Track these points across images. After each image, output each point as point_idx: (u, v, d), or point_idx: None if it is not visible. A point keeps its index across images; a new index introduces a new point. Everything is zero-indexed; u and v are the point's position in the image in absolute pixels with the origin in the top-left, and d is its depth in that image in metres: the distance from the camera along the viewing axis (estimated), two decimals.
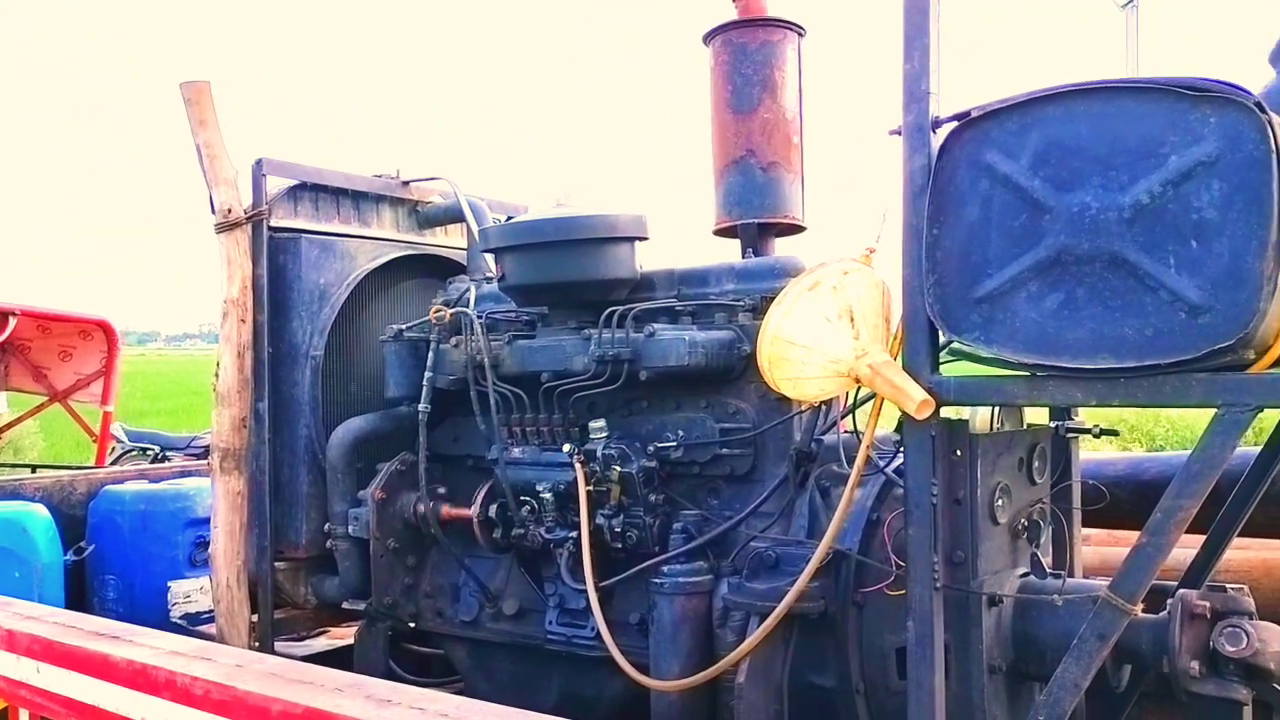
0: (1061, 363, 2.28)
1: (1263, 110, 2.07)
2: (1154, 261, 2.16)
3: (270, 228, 3.94)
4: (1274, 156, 2.05)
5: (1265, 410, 2.17)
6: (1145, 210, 2.18)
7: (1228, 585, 2.80)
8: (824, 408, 3.08)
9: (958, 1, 2.55)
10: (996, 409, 3.06)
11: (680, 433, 3.27)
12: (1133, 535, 3.46)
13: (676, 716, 2.92)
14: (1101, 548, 3.71)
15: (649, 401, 3.37)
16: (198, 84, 3.88)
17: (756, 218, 3.56)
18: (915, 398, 2.40)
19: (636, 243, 3.44)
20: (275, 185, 4.06)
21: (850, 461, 2.97)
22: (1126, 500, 3.68)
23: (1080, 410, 3.19)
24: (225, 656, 2.48)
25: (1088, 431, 3.12)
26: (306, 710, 2.08)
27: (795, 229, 3.70)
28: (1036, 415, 3.24)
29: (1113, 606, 2.27)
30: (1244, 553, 3.26)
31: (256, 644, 3.90)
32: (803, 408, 3.05)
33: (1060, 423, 3.12)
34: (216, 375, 3.87)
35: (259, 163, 3.94)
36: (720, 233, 3.68)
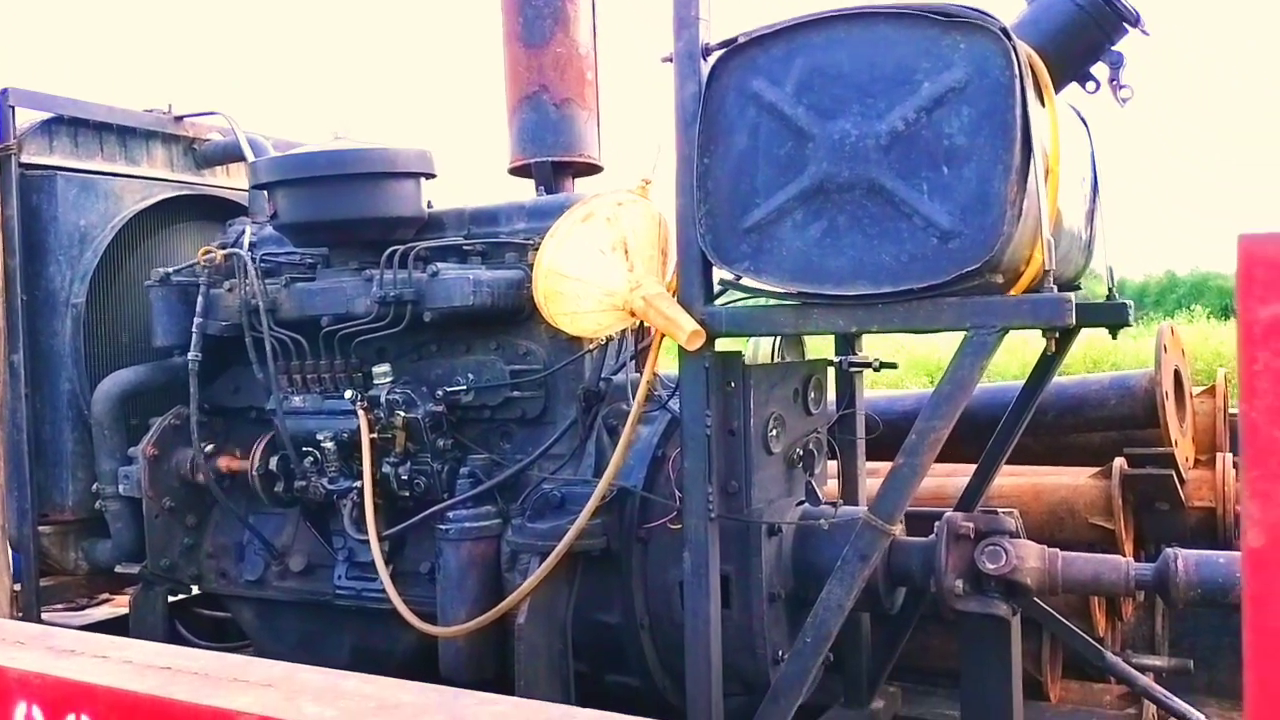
0: (824, 290, 2.29)
1: (1008, 36, 2.11)
2: (908, 188, 2.19)
3: (20, 164, 3.58)
4: (1018, 82, 2.10)
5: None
6: (901, 137, 2.20)
7: (999, 510, 2.93)
8: (611, 346, 3.03)
9: None
10: (777, 341, 3.10)
11: (470, 376, 3.17)
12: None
13: (464, 663, 2.85)
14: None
15: (438, 345, 3.24)
16: None
17: (550, 156, 3.46)
18: (686, 328, 2.38)
19: (423, 180, 3.29)
20: (27, 119, 3.69)
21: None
22: None
23: (862, 342, 3.26)
24: None
25: (869, 365, 3.19)
26: None
27: (593, 168, 3.63)
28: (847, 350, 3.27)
29: (872, 527, 2.32)
30: (1016, 480, 3.43)
31: (20, 614, 3.60)
32: (591, 346, 2.99)
33: (844, 356, 3.18)
34: None
35: (4, 93, 3.57)
36: (515, 172, 3.57)
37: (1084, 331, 2.81)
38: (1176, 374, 3.56)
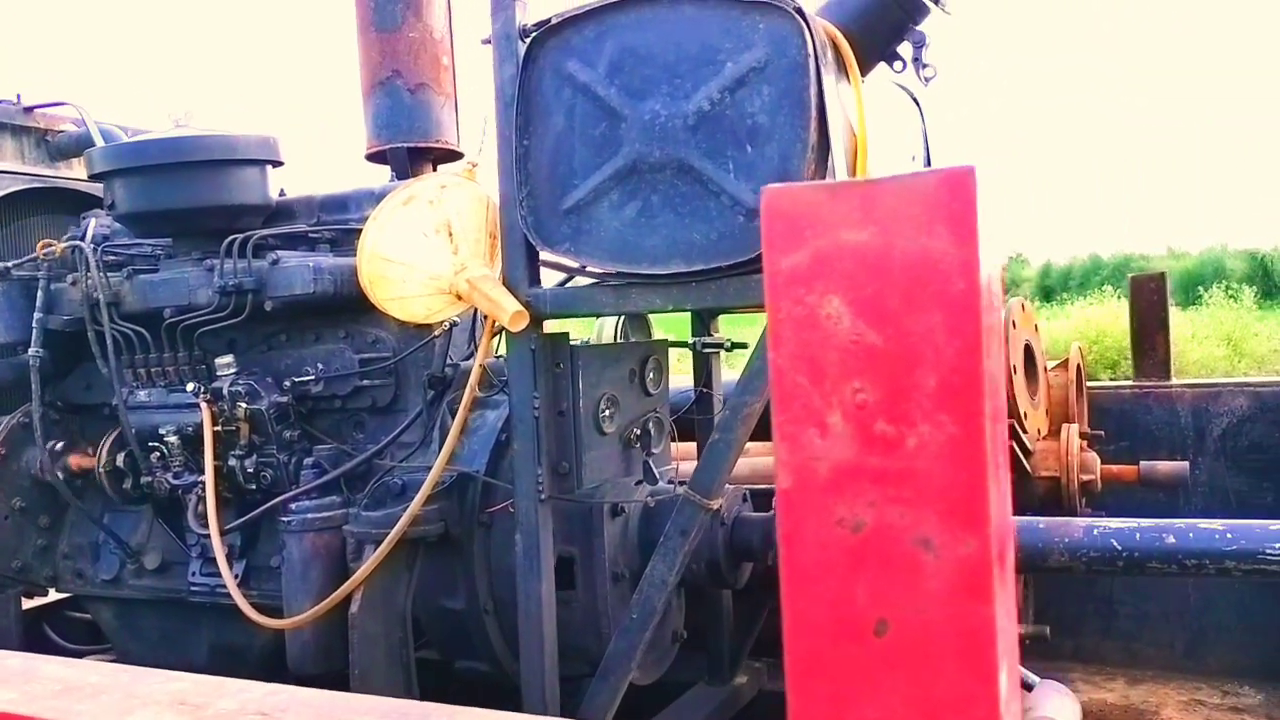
0: (641, 270, 2.31)
1: (803, 16, 2.15)
2: (715, 167, 2.22)
3: None
4: (813, 61, 2.13)
5: None
6: (707, 117, 2.22)
7: None
8: (461, 332, 3.03)
9: None
10: (619, 321, 3.12)
11: (319, 366, 3.13)
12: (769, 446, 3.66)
13: (311, 655, 2.82)
14: (755, 459, 3.88)
15: (288, 335, 3.20)
16: None
17: (406, 142, 3.43)
18: (509, 309, 2.38)
19: (270, 167, 3.24)
20: None
21: (486, 385, 2.94)
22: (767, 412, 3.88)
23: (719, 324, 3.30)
24: None
25: (722, 345, 3.23)
26: None
27: (452, 154, 3.61)
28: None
29: (692, 503, 2.35)
30: None
31: None
32: (437, 332, 2.98)
33: (699, 338, 3.22)
34: None
35: None
36: (372, 158, 3.53)
37: None
38: (1029, 348, 3.65)
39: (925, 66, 2.37)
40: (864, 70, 2.37)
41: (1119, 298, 24.86)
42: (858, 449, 0.79)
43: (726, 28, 2.20)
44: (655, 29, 2.27)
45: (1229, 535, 2.47)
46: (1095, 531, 2.55)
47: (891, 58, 2.40)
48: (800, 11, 2.14)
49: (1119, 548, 2.52)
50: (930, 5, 2.32)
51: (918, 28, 2.36)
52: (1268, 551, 2.45)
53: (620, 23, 2.30)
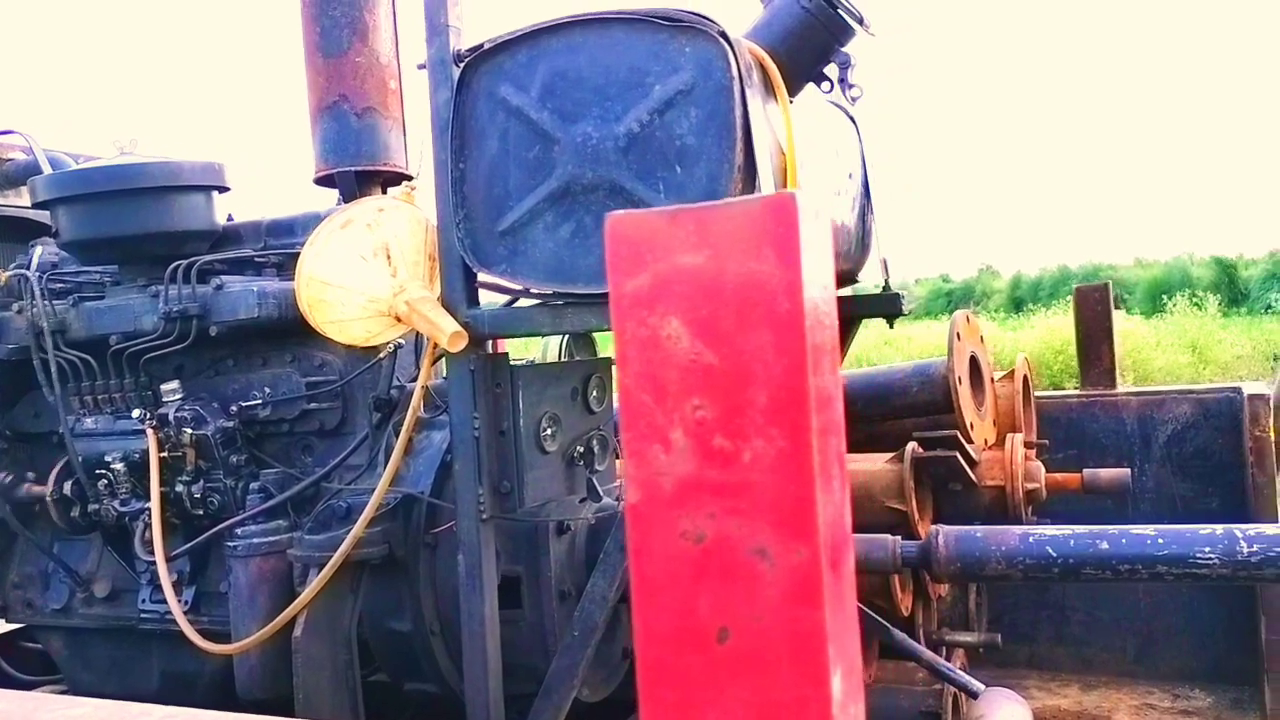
0: (577, 289, 2.34)
1: (727, 39, 2.19)
2: (646, 188, 2.25)
3: None
4: (737, 84, 2.18)
5: None
6: (637, 139, 2.26)
7: None
8: (407, 354, 3.05)
9: None
10: (563, 341, 3.15)
11: (267, 390, 3.14)
12: None
13: (258, 681, 2.81)
14: None
15: (235, 360, 3.21)
16: None
17: (354, 165, 3.45)
18: (447, 330, 2.40)
19: (216, 193, 3.25)
20: None
21: (432, 406, 2.96)
22: None
23: None
24: None
25: None
26: None
27: (401, 177, 3.63)
28: None
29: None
30: None
31: None
32: (382, 355, 2.99)
33: None
34: None
35: None
36: (321, 182, 3.55)
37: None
38: (974, 360, 3.71)
39: (851, 87, 2.42)
40: (793, 91, 2.42)
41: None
42: (698, 463, 0.82)
43: (654, 51, 2.24)
44: (586, 53, 2.31)
45: (1160, 540, 2.52)
46: (1031, 539, 2.59)
47: (819, 79, 2.45)
48: (724, 34, 2.18)
49: (1054, 554, 2.56)
50: (855, 27, 2.38)
51: (843, 49, 2.41)
52: (1197, 556, 2.50)
53: (552, 47, 2.34)
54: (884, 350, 14.92)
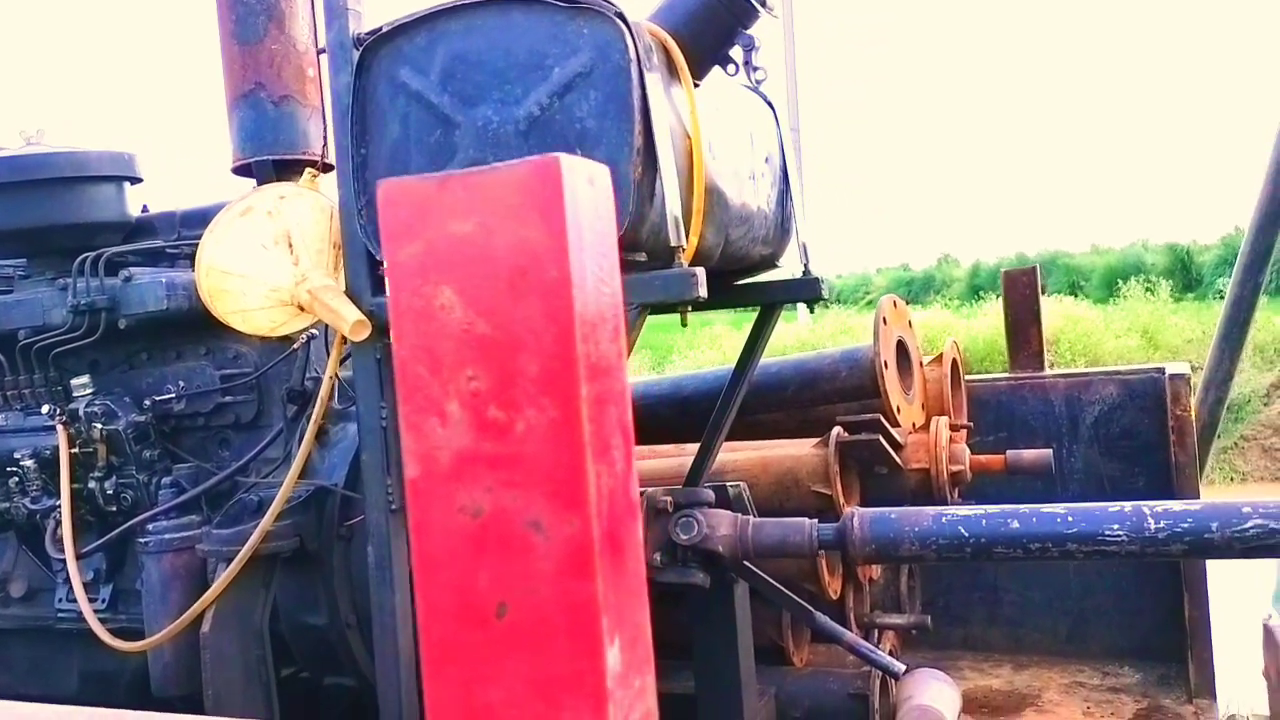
0: None
1: (625, 21, 2.17)
2: None
3: None
4: (635, 66, 2.16)
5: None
6: (538, 122, 2.24)
7: (728, 484, 3.02)
8: (315, 345, 3.00)
9: None
10: None
11: (181, 383, 3.09)
12: (672, 448, 3.67)
13: (173, 677, 2.77)
14: (642, 461, 3.90)
15: (149, 353, 3.15)
16: None
17: (271, 154, 3.39)
18: (350, 319, 2.37)
19: (127, 184, 3.19)
20: None
21: (346, 397, 2.92)
22: (669, 416, 3.92)
23: None
24: None
25: None
26: None
27: (326, 167, 3.58)
28: None
29: None
30: (748, 454, 3.53)
31: None
32: (295, 346, 2.95)
33: None
34: None
35: None
36: (239, 171, 3.49)
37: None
38: (902, 344, 3.72)
39: (756, 69, 2.41)
40: (697, 75, 2.41)
41: (1043, 293, 25.54)
42: (474, 436, 0.80)
43: (553, 33, 2.22)
44: (485, 36, 2.28)
45: (1070, 519, 2.54)
46: (944, 519, 2.60)
47: (724, 61, 2.43)
48: (622, 16, 2.16)
49: (966, 534, 2.57)
50: (758, 9, 2.36)
51: (747, 31, 2.40)
52: (1106, 534, 2.52)
53: (451, 30, 2.31)
54: (841, 339, 15.00)
